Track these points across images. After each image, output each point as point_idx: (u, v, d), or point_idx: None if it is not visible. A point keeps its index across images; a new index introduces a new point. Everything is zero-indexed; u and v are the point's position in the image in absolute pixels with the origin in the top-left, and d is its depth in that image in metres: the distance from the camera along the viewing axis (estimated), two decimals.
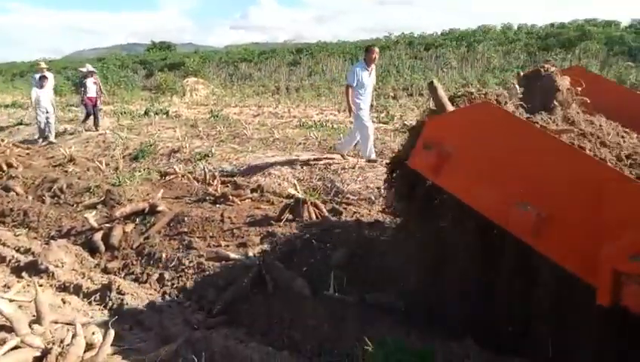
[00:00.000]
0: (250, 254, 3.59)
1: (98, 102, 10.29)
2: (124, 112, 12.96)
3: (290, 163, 6.40)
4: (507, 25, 22.97)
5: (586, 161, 1.74)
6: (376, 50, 6.59)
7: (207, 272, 3.42)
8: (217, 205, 4.84)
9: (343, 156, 6.42)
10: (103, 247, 4.10)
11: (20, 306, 2.58)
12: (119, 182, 5.78)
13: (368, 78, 6.38)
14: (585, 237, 1.63)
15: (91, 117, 10.17)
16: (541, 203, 1.75)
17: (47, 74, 9.92)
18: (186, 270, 3.51)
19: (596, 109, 2.46)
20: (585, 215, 1.65)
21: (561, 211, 1.71)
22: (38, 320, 2.44)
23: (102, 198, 5.13)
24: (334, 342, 2.51)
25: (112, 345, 2.35)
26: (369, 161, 6.15)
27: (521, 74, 2.61)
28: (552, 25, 21.20)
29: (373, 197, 4.91)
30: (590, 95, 2.46)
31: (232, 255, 3.55)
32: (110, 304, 3.11)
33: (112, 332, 2.34)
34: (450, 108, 2.14)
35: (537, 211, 1.73)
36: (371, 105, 6.72)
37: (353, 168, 5.87)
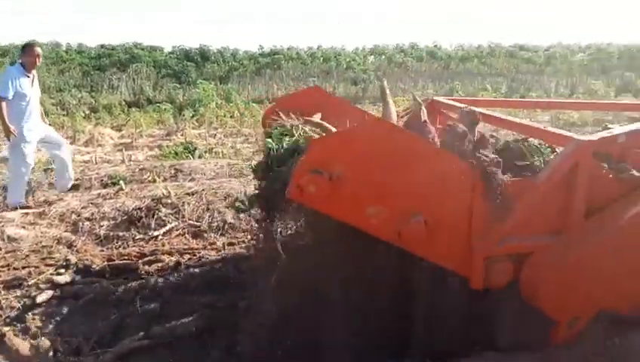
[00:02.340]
0: None
1: None
2: None
3: None
4: (56, 43, 21.75)
5: (449, 159, 1.88)
6: (39, 49, 4.91)
7: None
8: None
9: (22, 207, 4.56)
10: None
11: None
12: None
13: (30, 88, 4.80)
14: (461, 235, 1.92)
15: None
16: (426, 210, 1.86)
17: None
18: None
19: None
20: (457, 214, 1.90)
21: (439, 215, 1.88)
22: None
23: None
24: None
25: None
26: (17, 207, 4.55)
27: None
28: (102, 46, 21.66)
29: None
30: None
31: None
32: None
33: None
34: None
35: (425, 219, 1.84)
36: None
37: None
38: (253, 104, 12.48)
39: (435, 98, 3.57)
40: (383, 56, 21.78)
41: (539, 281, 1.96)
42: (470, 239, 1.95)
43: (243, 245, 3.92)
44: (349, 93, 15.60)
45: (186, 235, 4.13)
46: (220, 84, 16.62)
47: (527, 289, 1.99)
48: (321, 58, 21.32)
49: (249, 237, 4.07)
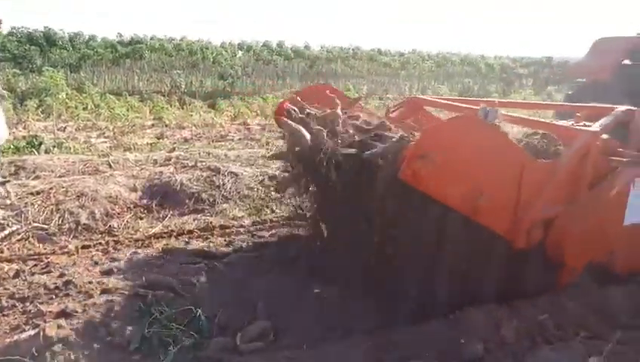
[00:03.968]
0: None
1: None
2: None
3: None
4: None
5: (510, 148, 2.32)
6: None
7: None
8: None
9: None
10: None
11: None
12: None
13: None
14: (512, 208, 2.36)
15: None
16: (490, 188, 2.27)
17: None
18: None
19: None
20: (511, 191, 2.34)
21: (498, 192, 2.31)
22: None
23: None
24: None
25: None
26: None
27: None
28: None
29: None
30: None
31: None
32: None
33: None
34: None
35: (489, 196, 2.25)
36: None
37: None
38: (110, 96, 11.53)
39: (416, 96, 4.16)
40: (251, 53, 21.69)
41: (562, 237, 2.47)
42: (517, 211, 2.37)
43: (100, 248, 3.63)
44: (216, 87, 15.26)
45: (31, 239, 3.68)
46: (71, 72, 15.04)
47: (553, 244, 2.48)
48: (187, 50, 20.48)
49: (107, 239, 3.78)
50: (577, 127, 2.81)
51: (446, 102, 3.86)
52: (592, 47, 4.71)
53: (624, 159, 2.63)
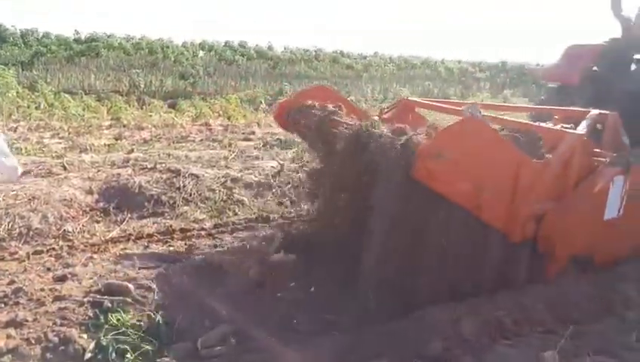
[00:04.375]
0: None
1: None
2: None
3: None
4: None
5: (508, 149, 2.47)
6: None
7: None
8: None
9: None
10: None
11: None
12: None
13: None
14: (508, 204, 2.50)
15: None
16: (490, 186, 2.43)
17: None
18: None
19: None
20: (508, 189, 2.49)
21: (498, 189, 2.47)
22: None
23: None
24: None
25: None
26: None
27: None
28: None
29: None
30: None
31: None
32: None
33: None
34: None
35: (489, 193, 2.41)
36: None
37: None
38: (65, 95, 11.09)
39: (409, 98, 4.37)
40: (213, 52, 21.38)
41: (551, 231, 2.65)
42: (513, 206, 2.52)
43: (53, 253, 3.48)
44: (177, 87, 14.95)
45: None
46: (23, 70, 14.39)
47: (544, 237, 2.66)
48: (147, 49, 19.98)
49: (60, 244, 3.63)
50: (565, 130, 2.98)
51: (436, 104, 4.16)
52: (563, 53, 4.87)
53: (605, 159, 2.83)
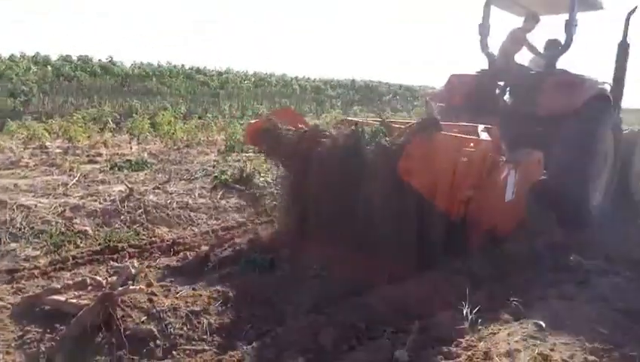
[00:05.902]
0: None
1: None
2: None
3: None
4: None
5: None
6: None
7: None
8: None
9: None
10: None
11: None
12: None
13: None
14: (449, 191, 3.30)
15: None
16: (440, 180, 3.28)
17: None
18: None
19: None
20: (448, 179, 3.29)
21: (444, 181, 3.27)
22: None
23: None
24: None
25: None
26: None
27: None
28: None
29: None
30: None
31: None
32: None
33: None
34: None
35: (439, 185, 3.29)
36: None
37: None
38: None
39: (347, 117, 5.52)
40: (49, 67, 19.14)
41: (475, 212, 3.46)
42: (452, 194, 3.31)
43: None
44: (5, 106, 13.08)
45: None
46: None
47: (472, 216, 3.46)
48: None
49: None
50: (481, 137, 3.72)
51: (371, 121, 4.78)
52: (447, 80, 5.96)
53: (504, 157, 3.70)
